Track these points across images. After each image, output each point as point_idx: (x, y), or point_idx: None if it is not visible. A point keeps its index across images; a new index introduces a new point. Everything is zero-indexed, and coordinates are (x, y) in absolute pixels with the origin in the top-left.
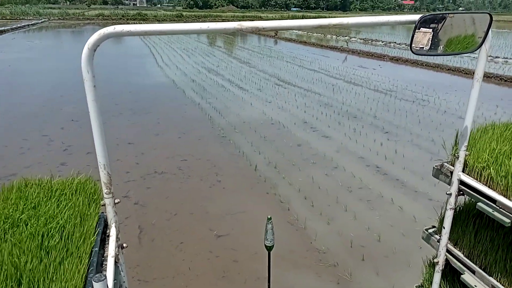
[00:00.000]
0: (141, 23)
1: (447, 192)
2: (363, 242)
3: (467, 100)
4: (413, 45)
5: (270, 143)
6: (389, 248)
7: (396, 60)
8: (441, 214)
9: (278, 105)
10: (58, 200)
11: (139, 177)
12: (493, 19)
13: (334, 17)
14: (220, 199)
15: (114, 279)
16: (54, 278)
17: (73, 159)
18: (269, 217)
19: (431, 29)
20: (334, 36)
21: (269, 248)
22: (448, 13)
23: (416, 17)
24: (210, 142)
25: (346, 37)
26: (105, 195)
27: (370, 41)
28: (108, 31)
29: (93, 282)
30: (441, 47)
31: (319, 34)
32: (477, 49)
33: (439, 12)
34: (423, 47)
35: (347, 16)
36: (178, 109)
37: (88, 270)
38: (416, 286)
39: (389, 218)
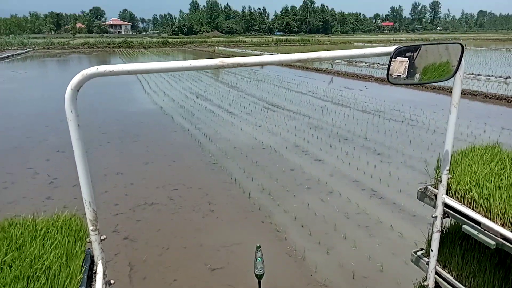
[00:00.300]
0: (127, 50)
1: (433, 215)
2: (365, 273)
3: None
4: (390, 73)
5: (263, 168)
6: (392, 278)
7: (381, 80)
8: (428, 236)
9: (268, 129)
10: (43, 239)
11: (128, 209)
12: (470, 38)
13: (316, 39)
14: (214, 230)
15: None
16: None
17: (59, 193)
18: (258, 245)
19: (407, 58)
20: None
21: (259, 277)
22: (422, 45)
23: (391, 48)
24: (201, 170)
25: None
26: (91, 232)
27: (354, 63)
28: (91, 71)
29: None
30: (418, 75)
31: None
32: (452, 77)
33: (412, 44)
34: (400, 75)
35: (329, 38)
36: (167, 136)
37: None
38: None
39: (390, 246)
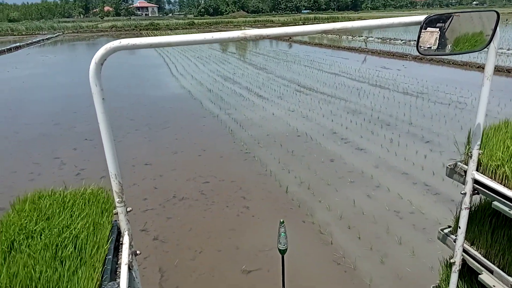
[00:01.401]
0: (154, 33)
1: (462, 192)
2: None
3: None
4: (420, 45)
5: (299, 159)
6: None
7: (420, 59)
8: (456, 214)
9: (302, 114)
10: (71, 211)
11: (157, 205)
12: (510, 12)
13: (346, 16)
14: (250, 230)
15: (128, 286)
16: (68, 287)
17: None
18: (281, 220)
19: (438, 29)
20: (350, 37)
21: (282, 252)
22: (454, 13)
23: (421, 17)
24: (233, 160)
25: (363, 37)
26: (117, 204)
27: (388, 40)
28: (114, 45)
29: None
30: (449, 46)
31: (334, 36)
32: (486, 47)
33: (444, 12)
34: (430, 47)
35: (359, 15)
36: (196, 122)
37: (102, 278)
38: (433, 287)
39: None
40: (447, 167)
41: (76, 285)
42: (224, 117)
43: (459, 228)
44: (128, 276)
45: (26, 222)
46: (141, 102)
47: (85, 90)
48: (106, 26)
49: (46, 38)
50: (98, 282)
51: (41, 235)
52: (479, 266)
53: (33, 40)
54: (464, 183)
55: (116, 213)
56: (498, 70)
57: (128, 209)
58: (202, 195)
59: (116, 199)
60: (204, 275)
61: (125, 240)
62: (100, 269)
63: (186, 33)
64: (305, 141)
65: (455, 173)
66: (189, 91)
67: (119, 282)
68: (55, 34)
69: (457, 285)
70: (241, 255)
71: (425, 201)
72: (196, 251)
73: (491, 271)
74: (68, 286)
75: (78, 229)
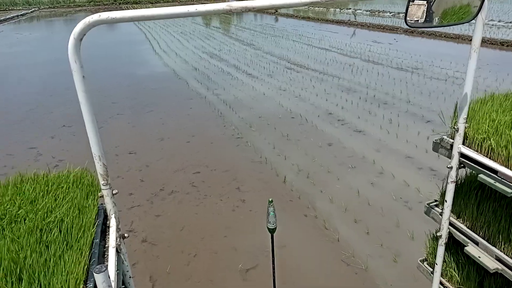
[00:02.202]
0: (134, 7)
1: (448, 166)
2: None
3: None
4: (407, 18)
5: (295, 143)
6: None
7: (411, 32)
8: (442, 188)
9: (294, 94)
10: (55, 194)
11: (145, 201)
12: None
13: None
14: (248, 227)
15: (117, 269)
16: (55, 272)
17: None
18: (270, 199)
19: (425, 1)
20: (338, 10)
21: (271, 231)
22: None
23: None
24: (225, 146)
25: (351, 9)
26: (102, 187)
27: (377, 13)
28: (94, 19)
29: (94, 273)
30: (436, 18)
31: (322, 8)
32: (473, 18)
33: None
34: (418, 20)
35: None
36: (183, 104)
37: (90, 262)
38: (420, 260)
39: None
40: (433, 142)
41: (63, 269)
42: (212, 98)
43: (446, 201)
44: (117, 259)
45: (9, 207)
46: (123, 83)
47: (62, 69)
48: (84, 1)
49: (21, 14)
50: (86, 266)
51: (25, 219)
52: (465, 238)
53: (7, 17)
54: (450, 157)
55: (102, 196)
56: (491, 43)
57: (114, 191)
58: (193, 188)
59: (101, 182)
60: (201, 284)
61: (112, 222)
62: (87, 253)
63: (169, 6)
64: (300, 124)
65: (441, 147)
66: (173, 70)
67: (107, 265)
68: (30, 10)
69: (444, 258)
70: (240, 257)
71: (434, 188)
72: (190, 255)
73: (476, 243)
74: (55, 271)
75: (63, 212)
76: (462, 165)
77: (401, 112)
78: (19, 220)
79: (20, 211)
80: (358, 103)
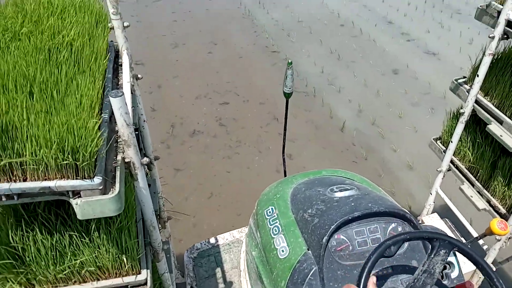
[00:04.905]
0: None
1: (490, 35)
2: None
3: None
4: None
5: (349, 66)
6: None
7: None
8: (475, 63)
9: None
10: (61, 17)
11: (158, 143)
12: None
13: None
14: None
15: (132, 106)
16: (68, 92)
17: None
18: (289, 61)
19: None
20: None
21: (287, 95)
22: None
23: None
24: (258, 64)
25: None
26: (112, 16)
27: None
28: None
29: (110, 97)
30: None
31: None
32: None
33: None
34: None
35: None
36: None
37: (103, 93)
38: (433, 139)
39: None
40: (477, 8)
41: (77, 91)
42: None
43: (477, 76)
44: (132, 99)
45: (10, 23)
46: None
47: None
48: None
49: None
50: (100, 95)
51: (29, 38)
52: (489, 116)
53: None
54: (494, 26)
55: (112, 28)
56: None
57: (125, 24)
58: (221, 128)
59: (111, 10)
60: None
61: (125, 59)
62: (101, 83)
63: None
64: (353, 35)
65: (486, 14)
66: None
67: (123, 91)
68: None
69: (461, 136)
70: None
71: None
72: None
73: (500, 122)
74: (68, 91)
75: (71, 36)
76: (505, 36)
77: (483, 29)
78: (23, 38)
79: (23, 29)
80: (425, 9)
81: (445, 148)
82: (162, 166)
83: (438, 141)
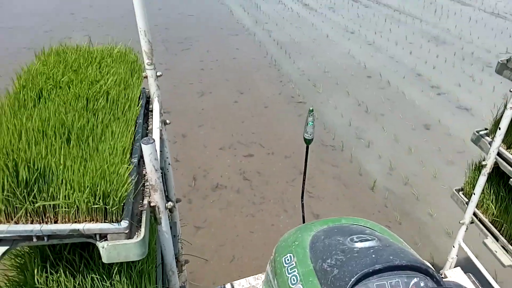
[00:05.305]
0: None
1: (511, 89)
2: None
3: None
4: None
5: (378, 120)
6: None
7: None
8: (497, 115)
9: (366, 39)
10: (99, 67)
11: (181, 196)
12: None
13: None
14: None
15: (160, 151)
16: (102, 138)
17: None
18: (311, 108)
19: None
20: None
21: (307, 142)
22: None
23: None
24: (283, 114)
25: None
26: (147, 66)
27: None
28: None
29: (142, 144)
30: None
31: None
32: None
33: None
34: None
35: None
36: (226, 42)
37: (134, 138)
38: (455, 190)
39: None
40: (498, 62)
41: (111, 138)
42: (263, 36)
43: (499, 129)
44: (160, 143)
45: (53, 72)
46: (155, 3)
47: None
48: None
49: None
50: (132, 140)
51: (69, 87)
52: None
53: None
54: None
55: (146, 77)
56: None
57: (158, 73)
58: (245, 183)
59: (146, 61)
60: None
61: (155, 105)
62: (133, 129)
63: None
64: (381, 87)
65: (507, 68)
66: None
67: (153, 138)
68: None
69: (483, 189)
70: None
71: None
72: None
73: None
74: (103, 138)
75: (108, 85)
76: None
77: None
78: (63, 86)
79: (64, 78)
80: (454, 61)
81: (467, 200)
82: (182, 222)
83: (461, 192)
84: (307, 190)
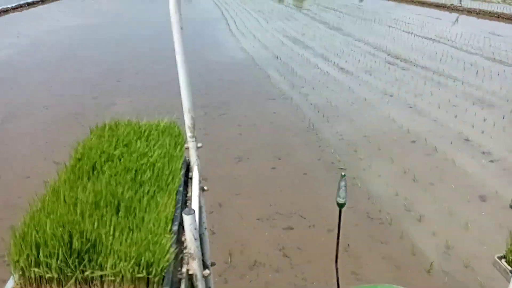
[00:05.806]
0: None
1: None
2: None
3: None
4: None
5: (428, 189)
6: None
7: None
8: None
9: (406, 102)
10: (147, 140)
11: (216, 276)
12: None
13: None
14: None
15: (198, 217)
16: (147, 209)
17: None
18: (343, 174)
19: None
20: None
21: (340, 206)
22: None
23: None
24: (323, 183)
25: None
26: (189, 139)
27: None
28: None
29: (183, 215)
30: None
31: None
32: None
33: None
34: None
35: None
36: (264, 107)
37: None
38: (497, 257)
39: None
40: None
41: (155, 208)
42: (300, 100)
43: None
44: (199, 209)
45: (106, 146)
46: (195, 69)
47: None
48: None
49: None
50: (173, 209)
51: (120, 159)
52: None
53: None
54: None
55: (187, 148)
56: None
57: (199, 145)
58: (284, 260)
59: (188, 134)
60: None
61: (195, 174)
62: (174, 198)
63: None
64: (427, 153)
65: None
66: (252, 57)
67: (194, 209)
68: None
69: None
70: None
71: None
72: None
73: None
74: (147, 209)
75: (154, 157)
76: None
77: None
78: (115, 159)
79: (116, 151)
80: (503, 125)
81: (511, 268)
82: None
83: (503, 260)
84: (354, 272)
